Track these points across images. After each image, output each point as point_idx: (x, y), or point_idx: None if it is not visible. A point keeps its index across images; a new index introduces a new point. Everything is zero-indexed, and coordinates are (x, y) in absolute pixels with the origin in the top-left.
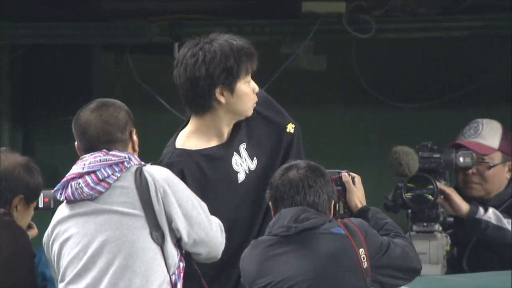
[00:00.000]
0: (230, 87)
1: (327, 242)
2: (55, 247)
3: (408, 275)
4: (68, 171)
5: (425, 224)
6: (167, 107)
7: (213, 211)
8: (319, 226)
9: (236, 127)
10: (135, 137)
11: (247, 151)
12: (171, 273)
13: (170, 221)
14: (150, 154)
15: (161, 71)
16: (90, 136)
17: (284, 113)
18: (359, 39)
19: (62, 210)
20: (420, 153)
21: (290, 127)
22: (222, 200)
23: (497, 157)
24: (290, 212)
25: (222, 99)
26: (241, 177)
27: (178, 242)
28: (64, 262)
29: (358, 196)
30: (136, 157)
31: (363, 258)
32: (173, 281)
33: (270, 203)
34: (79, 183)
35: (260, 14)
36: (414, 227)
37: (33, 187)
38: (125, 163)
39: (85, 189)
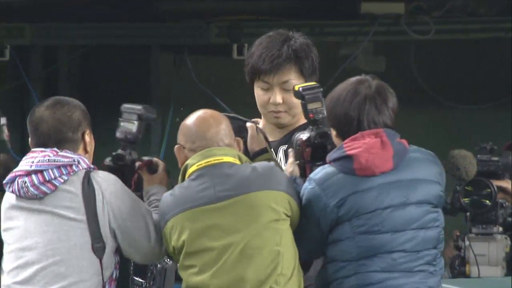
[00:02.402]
0: (251, 80)
1: None
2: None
3: None
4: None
5: (484, 226)
6: (226, 108)
7: None
8: None
9: (297, 130)
10: (87, 138)
11: (284, 154)
12: (104, 281)
13: (112, 231)
14: None
15: (219, 73)
16: (41, 132)
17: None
18: (418, 40)
19: (10, 197)
20: (478, 156)
21: None
22: None
23: None
24: None
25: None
26: None
27: (116, 249)
28: (5, 248)
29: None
30: (86, 160)
31: None
32: None
33: None
34: (25, 182)
35: (319, 15)
36: (473, 229)
37: None
38: (74, 167)
39: (31, 188)
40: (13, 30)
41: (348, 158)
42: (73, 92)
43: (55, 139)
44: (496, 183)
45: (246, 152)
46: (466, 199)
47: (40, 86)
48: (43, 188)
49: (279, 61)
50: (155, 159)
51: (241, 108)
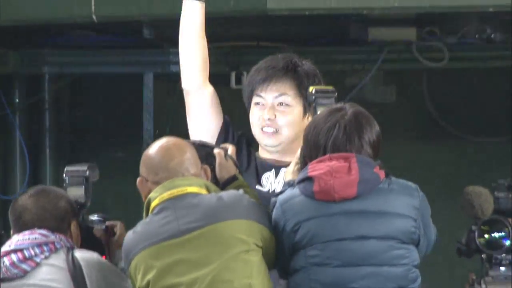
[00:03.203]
0: (248, 103)
1: None
2: None
3: None
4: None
5: (502, 269)
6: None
7: None
8: None
9: None
10: (74, 230)
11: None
12: None
13: None
14: None
15: None
16: (24, 221)
17: None
18: (430, 68)
19: None
20: (495, 192)
21: None
22: None
23: None
24: None
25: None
26: (262, 190)
27: None
28: None
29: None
30: (70, 239)
31: None
32: None
33: None
34: (4, 261)
35: (324, 42)
36: (490, 272)
37: None
38: (56, 244)
39: (10, 267)
40: None
41: (310, 180)
42: (59, 124)
43: (39, 227)
44: None
45: (215, 181)
46: (481, 239)
47: (24, 117)
48: (24, 266)
49: (274, 71)
50: (110, 222)
51: None
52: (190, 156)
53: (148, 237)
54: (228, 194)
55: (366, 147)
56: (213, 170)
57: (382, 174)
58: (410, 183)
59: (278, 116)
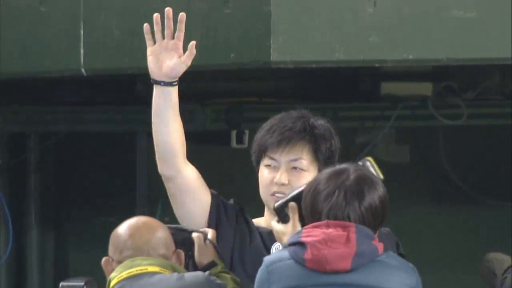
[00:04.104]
0: (257, 162)
1: None
2: None
3: None
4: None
5: None
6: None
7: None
8: None
9: None
10: None
11: None
12: None
13: None
14: None
15: (215, 163)
16: None
17: None
18: (447, 126)
19: None
20: None
21: None
22: (250, 271)
23: None
24: None
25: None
26: None
27: None
28: None
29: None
30: None
31: None
32: None
33: None
34: None
35: (332, 97)
36: None
37: None
38: None
39: None
40: None
41: (302, 245)
42: (45, 186)
43: None
44: None
45: (194, 267)
46: None
47: (7, 179)
48: None
49: (290, 133)
50: None
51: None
52: (161, 236)
53: None
54: (191, 274)
55: (367, 215)
56: (192, 256)
57: (380, 246)
58: (407, 262)
59: (291, 181)
